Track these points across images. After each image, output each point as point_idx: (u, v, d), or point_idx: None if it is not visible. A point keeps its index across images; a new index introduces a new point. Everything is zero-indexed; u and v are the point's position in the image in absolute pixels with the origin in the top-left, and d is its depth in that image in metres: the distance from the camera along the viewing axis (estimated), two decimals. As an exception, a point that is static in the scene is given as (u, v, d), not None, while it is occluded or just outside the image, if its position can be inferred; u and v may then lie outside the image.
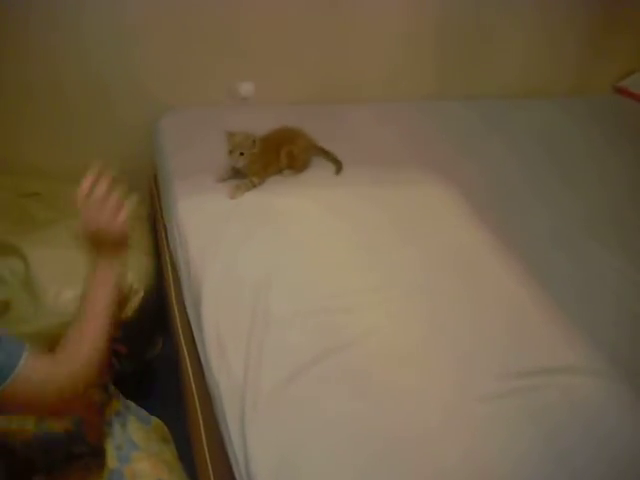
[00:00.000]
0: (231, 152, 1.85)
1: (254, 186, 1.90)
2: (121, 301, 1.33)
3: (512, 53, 2.67)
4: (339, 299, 1.52)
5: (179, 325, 1.76)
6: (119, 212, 1.23)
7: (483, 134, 2.34)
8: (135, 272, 1.94)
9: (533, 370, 1.39)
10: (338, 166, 2.02)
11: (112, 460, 1.38)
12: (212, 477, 1.40)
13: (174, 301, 1.84)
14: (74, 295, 1.81)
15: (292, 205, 1.84)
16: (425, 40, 2.54)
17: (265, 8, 2.25)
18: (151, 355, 2.16)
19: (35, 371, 1.05)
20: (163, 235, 2.01)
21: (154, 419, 1.57)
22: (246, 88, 2.39)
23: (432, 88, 2.65)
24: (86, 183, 1.20)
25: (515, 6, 2.56)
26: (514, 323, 1.52)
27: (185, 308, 1.64)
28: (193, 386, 1.61)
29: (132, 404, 1.55)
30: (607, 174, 2.20)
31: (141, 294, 1.93)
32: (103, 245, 1.22)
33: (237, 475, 1.18)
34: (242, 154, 1.84)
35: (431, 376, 1.36)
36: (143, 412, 1.56)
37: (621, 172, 2.23)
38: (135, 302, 1.91)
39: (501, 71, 2.69)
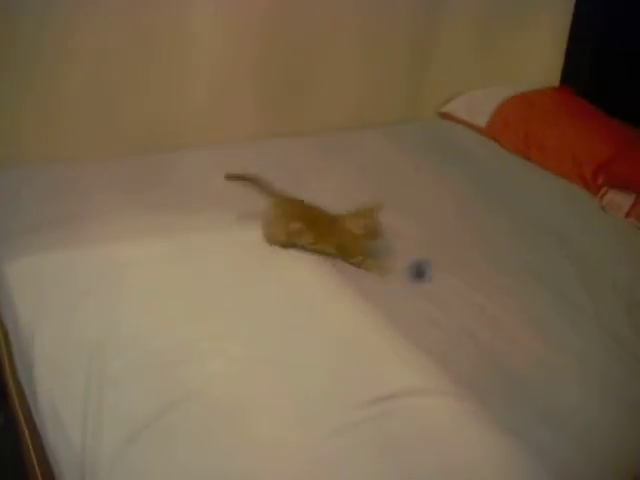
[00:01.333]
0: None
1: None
2: None
3: (338, 86, 2.72)
4: (178, 350, 1.47)
5: (15, 397, 1.65)
6: None
7: (316, 170, 2.34)
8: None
9: (381, 397, 1.40)
10: None
11: None
12: None
13: (8, 372, 1.72)
14: None
15: (129, 256, 1.78)
16: (244, 76, 2.52)
17: (71, 57, 2.18)
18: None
19: None
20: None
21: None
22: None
23: (256, 127, 2.63)
24: None
25: (339, 40, 2.63)
26: (359, 354, 1.54)
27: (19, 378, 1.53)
28: (35, 463, 1.51)
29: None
30: (440, 196, 2.29)
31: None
32: None
33: None
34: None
35: (279, 418, 1.34)
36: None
37: (454, 193, 2.32)
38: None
39: (328, 104, 2.73)
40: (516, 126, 2.72)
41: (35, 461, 1.50)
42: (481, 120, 2.82)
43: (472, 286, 1.83)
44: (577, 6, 3.00)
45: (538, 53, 3.19)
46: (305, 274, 1.81)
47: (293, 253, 1.87)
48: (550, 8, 3.10)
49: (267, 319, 1.62)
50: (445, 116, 2.98)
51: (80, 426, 1.26)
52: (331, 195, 2.13)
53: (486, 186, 2.39)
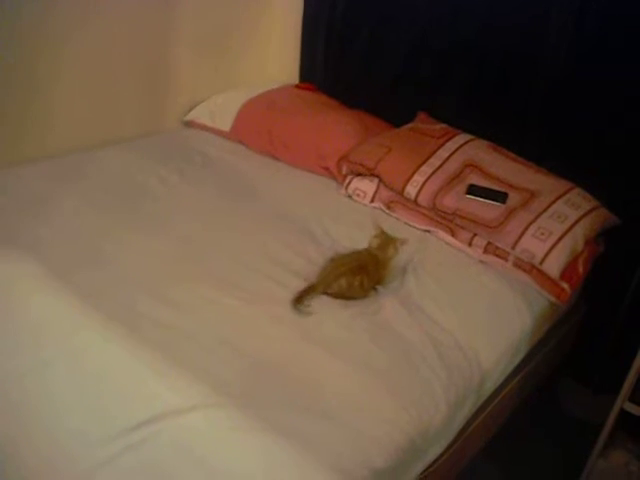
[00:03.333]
0: None
1: None
2: None
3: (74, 105, 2.56)
4: None
5: None
6: None
7: (54, 196, 2.16)
8: None
9: (140, 422, 1.37)
10: None
11: None
12: None
13: None
14: None
15: None
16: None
17: None
18: None
19: None
20: None
21: None
22: None
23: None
24: None
25: (66, 57, 2.46)
26: (111, 382, 1.48)
27: None
28: None
29: None
30: (187, 208, 2.21)
31: None
32: None
33: None
34: None
35: (36, 462, 1.31)
36: None
37: (201, 203, 2.25)
38: None
39: (62, 125, 2.56)
40: (259, 126, 2.71)
41: None
42: (225, 124, 2.79)
43: (225, 292, 1.79)
44: (306, 5, 3.06)
45: (275, 53, 3.24)
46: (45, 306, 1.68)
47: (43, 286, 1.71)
48: (280, 10, 3.15)
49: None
50: (190, 124, 2.91)
51: None
52: (75, 221, 2.02)
53: (234, 191, 2.36)
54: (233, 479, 1.30)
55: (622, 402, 1.98)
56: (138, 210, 2.15)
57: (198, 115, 2.88)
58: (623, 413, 2.00)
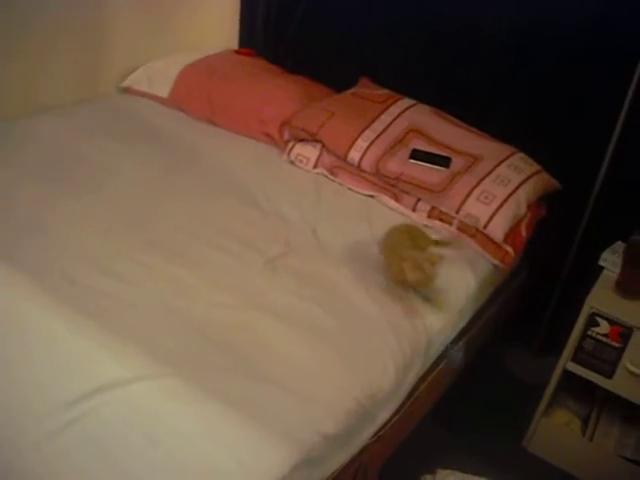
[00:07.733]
0: None
1: None
2: None
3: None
4: None
5: None
6: None
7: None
8: None
9: (85, 393, 1.35)
10: None
11: None
12: None
13: None
14: None
15: None
16: None
17: None
18: None
19: None
20: None
21: None
22: None
23: None
24: None
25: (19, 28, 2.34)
26: (58, 353, 1.45)
27: None
28: None
29: None
30: (128, 175, 2.12)
31: None
32: None
33: None
34: None
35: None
36: None
37: (141, 170, 2.17)
38: None
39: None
40: (199, 92, 2.63)
41: None
42: (163, 90, 2.70)
43: (168, 260, 1.74)
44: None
45: (214, 18, 3.15)
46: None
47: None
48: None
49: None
50: (127, 90, 2.80)
51: None
52: (11, 191, 1.93)
53: (174, 158, 2.30)
54: (180, 450, 1.28)
55: (565, 362, 2.01)
56: (76, 179, 2.07)
57: (135, 81, 2.77)
58: (565, 373, 2.04)
